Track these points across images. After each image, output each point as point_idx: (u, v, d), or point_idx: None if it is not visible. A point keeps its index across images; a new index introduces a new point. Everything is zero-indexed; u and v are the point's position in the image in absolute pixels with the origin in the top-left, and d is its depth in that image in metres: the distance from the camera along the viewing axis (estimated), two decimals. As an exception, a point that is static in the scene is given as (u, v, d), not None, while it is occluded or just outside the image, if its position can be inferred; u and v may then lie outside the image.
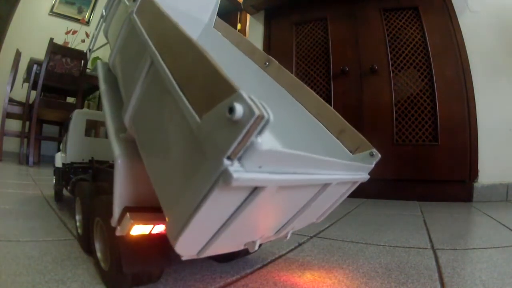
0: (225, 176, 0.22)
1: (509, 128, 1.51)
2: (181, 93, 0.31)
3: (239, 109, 0.22)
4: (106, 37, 0.68)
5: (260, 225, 0.37)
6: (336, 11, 1.83)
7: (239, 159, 0.23)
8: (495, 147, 1.49)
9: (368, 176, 0.51)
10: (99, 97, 2.70)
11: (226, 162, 0.23)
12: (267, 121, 0.22)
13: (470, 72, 1.53)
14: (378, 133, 1.62)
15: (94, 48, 0.79)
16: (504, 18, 1.56)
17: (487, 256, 0.65)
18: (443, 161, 1.51)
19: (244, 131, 0.22)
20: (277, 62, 0.71)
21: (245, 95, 0.23)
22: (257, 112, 0.22)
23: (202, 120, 0.27)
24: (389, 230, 0.89)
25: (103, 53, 0.73)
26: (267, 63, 0.72)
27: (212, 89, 0.27)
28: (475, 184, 1.48)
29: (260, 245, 0.40)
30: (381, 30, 1.69)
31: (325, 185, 0.38)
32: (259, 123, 0.22)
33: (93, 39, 0.78)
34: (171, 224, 0.30)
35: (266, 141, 0.23)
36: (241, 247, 0.39)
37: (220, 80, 0.26)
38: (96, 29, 0.75)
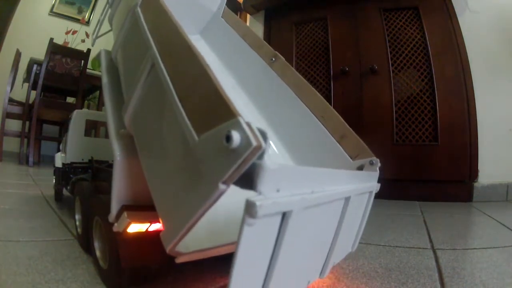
0: (249, 208, 0.21)
1: (509, 128, 1.51)
2: (180, 106, 0.31)
3: (236, 138, 0.22)
4: (111, 23, 0.67)
5: (306, 261, 0.36)
6: (336, 11, 1.82)
7: (255, 189, 0.22)
8: (495, 147, 1.49)
9: (379, 185, 0.51)
10: (99, 97, 2.70)
11: (222, 186, 0.23)
12: (265, 149, 0.22)
13: (470, 72, 1.53)
14: (378, 133, 1.62)
15: (99, 34, 0.77)
16: (504, 18, 1.56)
17: (487, 256, 0.65)
18: (443, 161, 1.51)
19: (240, 161, 0.22)
20: (283, 59, 0.70)
21: (243, 123, 0.23)
22: (254, 143, 0.21)
23: (199, 140, 0.27)
24: (389, 230, 0.89)
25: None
26: (273, 59, 0.71)
27: (211, 109, 0.27)
28: (475, 184, 1.47)
29: None
30: (381, 30, 1.69)
31: (347, 199, 0.38)
32: (256, 152, 0.22)
33: (98, 25, 0.76)
34: (166, 234, 0.31)
35: (273, 159, 0.23)
36: None
37: (220, 101, 0.26)
38: (101, 15, 0.74)
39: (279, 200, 0.23)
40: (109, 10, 0.68)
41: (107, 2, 0.69)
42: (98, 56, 0.63)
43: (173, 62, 0.35)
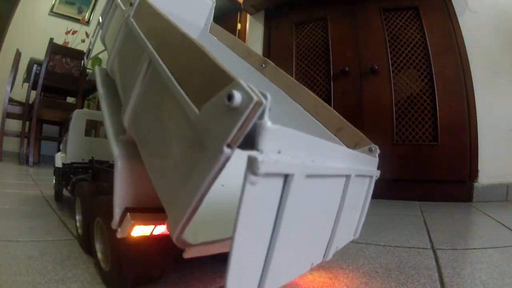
0: (251, 164, 0.20)
1: (509, 128, 1.51)
2: (179, 88, 0.31)
3: (237, 96, 0.23)
4: (104, 43, 0.70)
5: (309, 239, 0.36)
6: (336, 11, 1.82)
7: (257, 148, 0.22)
8: (495, 147, 1.49)
9: (379, 172, 0.52)
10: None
11: (227, 150, 0.23)
12: (266, 106, 0.22)
13: (470, 72, 1.53)
14: (378, 133, 1.61)
15: (92, 55, 0.81)
16: (504, 18, 1.56)
17: (487, 256, 0.65)
18: (443, 161, 1.51)
19: (243, 117, 0.22)
20: (273, 64, 0.72)
21: (243, 83, 0.23)
22: (255, 98, 0.22)
23: (201, 111, 0.27)
24: (389, 230, 0.89)
25: (103, 54, 0.76)
26: (263, 65, 0.73)
27: (210, 81, 0.28)
28: (475, 184, 1.47)
29: None
30: (381, 30, 1.69)
31: (347, 178, 0.38)
32: (258, 108, 0.22)
33: (90, 46, 0.80)
34: (172, 219, 0.30)
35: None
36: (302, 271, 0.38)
37: (218, 71, 0.27)
38: (93, 36, 0.77)
39: (281, 160, 0.23)
40: (100, 31, 0.71)
41: (98, 24, 0.72)
42: (92, 75, 0.67)
43: (170, 53, 0.36)
